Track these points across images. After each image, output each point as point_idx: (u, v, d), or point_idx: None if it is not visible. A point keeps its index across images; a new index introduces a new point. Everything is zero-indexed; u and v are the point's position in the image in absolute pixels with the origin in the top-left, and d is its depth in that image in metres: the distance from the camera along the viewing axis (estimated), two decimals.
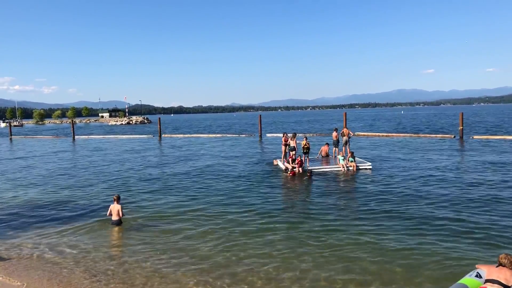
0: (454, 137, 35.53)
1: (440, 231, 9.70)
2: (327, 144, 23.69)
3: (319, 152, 23.24)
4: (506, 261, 5.73)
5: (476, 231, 9.62)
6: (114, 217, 10.91)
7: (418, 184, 15.25)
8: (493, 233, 9.45)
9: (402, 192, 14.09)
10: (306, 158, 19.97)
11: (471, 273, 6.02)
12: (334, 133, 22.42)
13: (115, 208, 10.90)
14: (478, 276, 5.84)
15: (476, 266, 6.13)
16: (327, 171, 19.09)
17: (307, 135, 40.15)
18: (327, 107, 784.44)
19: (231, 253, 8.71)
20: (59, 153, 33.00)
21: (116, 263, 8.35)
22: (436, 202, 12.49)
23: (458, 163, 20.38)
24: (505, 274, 5.60)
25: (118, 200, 11.02)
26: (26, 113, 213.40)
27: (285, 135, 21.19)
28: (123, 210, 11.14)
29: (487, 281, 5.67)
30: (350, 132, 22.80)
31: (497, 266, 5.80)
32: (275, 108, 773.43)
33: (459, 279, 6.01)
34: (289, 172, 18.19)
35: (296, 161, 18.74)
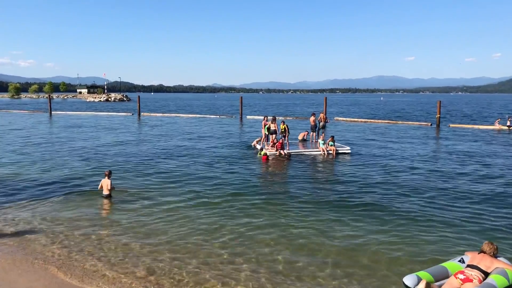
0: (431, 125, 36.28)
1: (416, 217, 9.90)
2: (307, 131, 23.97)
3: (298, 137, 23.56)
4: (488, 248, 6.05)
5: (454, 219, 9.81)
6: (105, 192, 11.40)
7: (394, 169, 15.61)
8: (473, 221, 9.72)
9: (379, 176, 14.40)
10: (286, 141, 20.09)
11: (455, 258, 6.31)
12: (312, 118, 22.67)
13: (105, 182, 11.39)
14: (462, 261, 6.12)
15: (465, 253, 6.41)
16: (307, 154, 19.31)
17: (287, 118, 40.42)
18: (308, 91, 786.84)
19: (203, 234, 8.74)
20: (35, 128, 32.22)
21: (92, 239, 8.32)
22: (410, 188, 12.83)
23: (433, 151, 20.93)
24: (485, 261, 5.90)
25: (109, 175, 11.48)
26: (1, 86, 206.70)
27: (265, 118, 21.23)
28: (113, 185, 11.63)
29: (468, 266, 5.94)
30: (328, 119, 23.13)
31: (479, 253, 6.09)
32: (256, 90, 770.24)
33: (441, 262, 6.27)
34: (262, 155, 18.27)
35: (277, 144, 18.83)
